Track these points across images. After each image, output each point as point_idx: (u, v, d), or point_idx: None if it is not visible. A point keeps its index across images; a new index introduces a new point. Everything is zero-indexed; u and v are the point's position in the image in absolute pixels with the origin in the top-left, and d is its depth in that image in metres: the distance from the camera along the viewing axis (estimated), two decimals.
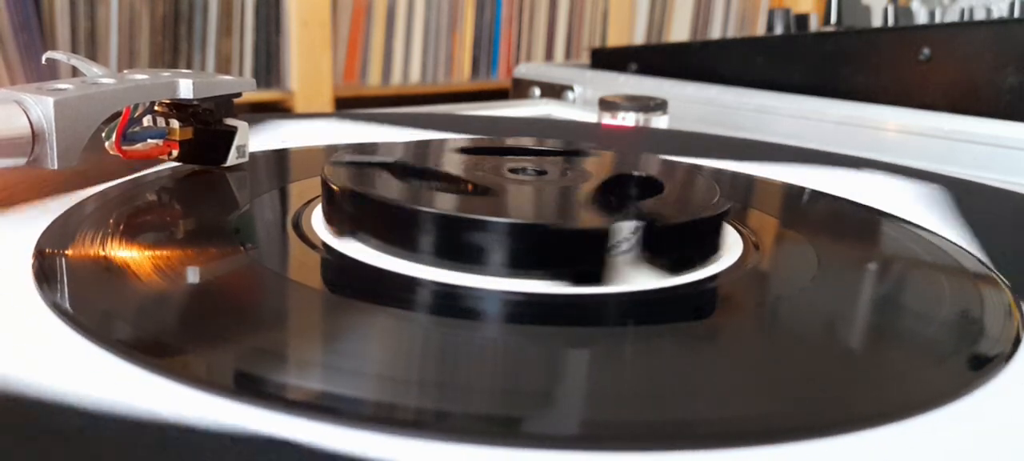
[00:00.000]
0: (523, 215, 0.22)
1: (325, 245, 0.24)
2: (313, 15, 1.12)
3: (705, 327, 0.21)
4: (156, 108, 0.29)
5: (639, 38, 1.50)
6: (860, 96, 0.54)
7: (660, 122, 0.51)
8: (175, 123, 0.30)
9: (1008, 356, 0.19)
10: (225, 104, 0.30)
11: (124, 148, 0.28)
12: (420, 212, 0.22)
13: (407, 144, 0.30)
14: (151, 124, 0.29)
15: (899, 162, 0.43)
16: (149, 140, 0.29)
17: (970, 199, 0.34)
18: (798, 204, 0.34)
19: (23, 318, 0.18)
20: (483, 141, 0.31)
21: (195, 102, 0.29)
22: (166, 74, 0.29)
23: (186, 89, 0.28)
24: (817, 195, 0.34)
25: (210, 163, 0.31)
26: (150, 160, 0.30)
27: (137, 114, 0.28)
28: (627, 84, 0.65)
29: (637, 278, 0.22)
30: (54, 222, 0.24)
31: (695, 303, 0.22)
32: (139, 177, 0.30)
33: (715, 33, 1.58)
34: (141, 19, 1.02)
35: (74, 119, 0.25)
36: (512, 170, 0.26)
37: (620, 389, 0.17)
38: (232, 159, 0.31)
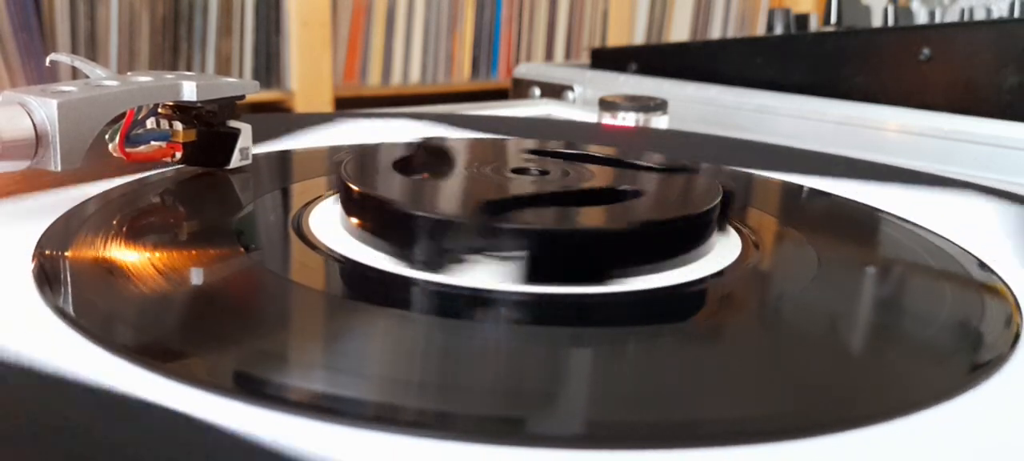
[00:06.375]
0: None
1: (327, 246, 0.24)
2: (313, 15, 1.12)
3: (705, 327, 0.21)
4: (159, 110, 0.29)
5: (639, 38, 1.50)
6: (860, 96, 0.54)
7: (660, 122, 0.51)
8: (178, 125, 0.30)
9: (1007, 355, 0.19)
10: (228, 106, 0.30)
11: (128, 150, 0.28)
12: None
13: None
14: (154, 126, 0.29)
15: (898, 162, 0.44)
16: (152, 142, 0.29)
17: None
18: (797, 203, 0.34)
19: (23, 319, 0.19)
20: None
21: (199, 104, 0.29)
22: (169, 76, 0.29)
23: (189, 91, 0.28)
24: (816, 193, 0.34)
25: (213, 165, 0.31)
26: (153, 162, 0.30)
27: (140, 116, 0.28)
28: (627, 84, 0.65)
29: (640, 276, 0.22)
30: (55, 223, 0.25)
31: (695, 303, 0.22)
32: (141, 178, 0.30)
33: (715, 33, 1.58)
34: (141, 19, 1.02)
35: (78, 121, 0.25)
36: (515, 170, 0.27)
37: (621, 389, 0.17)
38: (235, 161, 0.31)
